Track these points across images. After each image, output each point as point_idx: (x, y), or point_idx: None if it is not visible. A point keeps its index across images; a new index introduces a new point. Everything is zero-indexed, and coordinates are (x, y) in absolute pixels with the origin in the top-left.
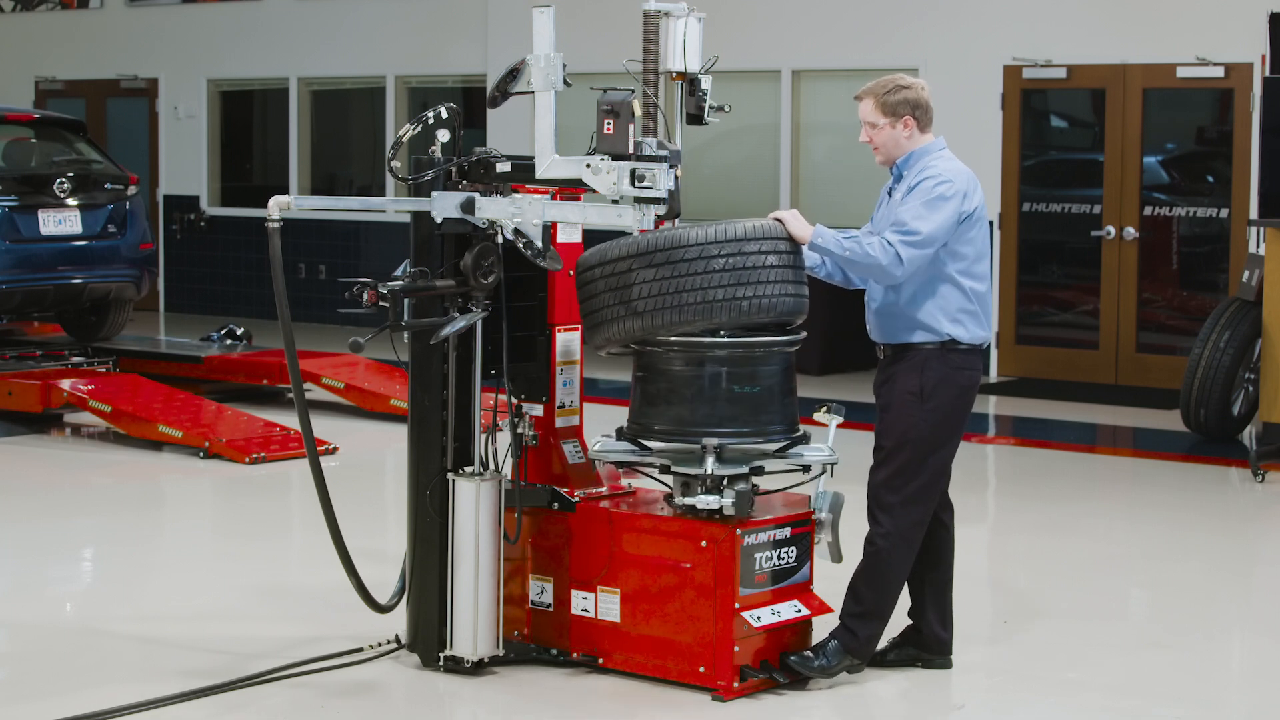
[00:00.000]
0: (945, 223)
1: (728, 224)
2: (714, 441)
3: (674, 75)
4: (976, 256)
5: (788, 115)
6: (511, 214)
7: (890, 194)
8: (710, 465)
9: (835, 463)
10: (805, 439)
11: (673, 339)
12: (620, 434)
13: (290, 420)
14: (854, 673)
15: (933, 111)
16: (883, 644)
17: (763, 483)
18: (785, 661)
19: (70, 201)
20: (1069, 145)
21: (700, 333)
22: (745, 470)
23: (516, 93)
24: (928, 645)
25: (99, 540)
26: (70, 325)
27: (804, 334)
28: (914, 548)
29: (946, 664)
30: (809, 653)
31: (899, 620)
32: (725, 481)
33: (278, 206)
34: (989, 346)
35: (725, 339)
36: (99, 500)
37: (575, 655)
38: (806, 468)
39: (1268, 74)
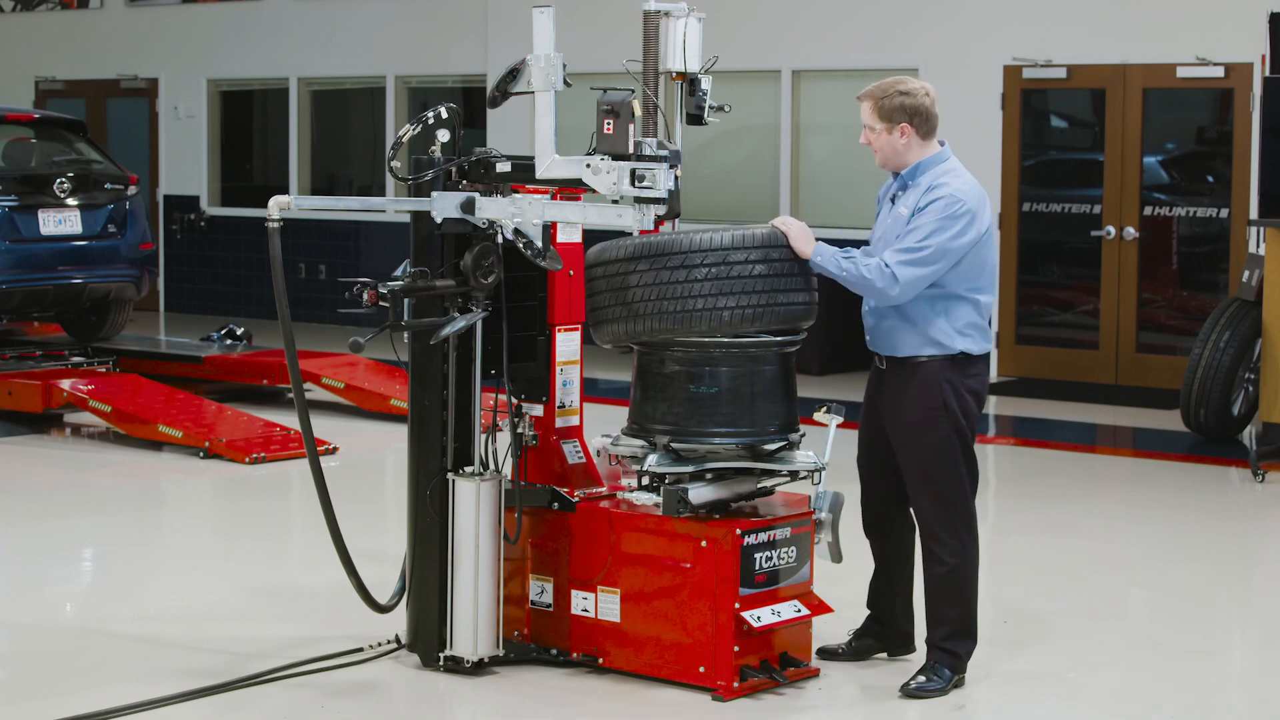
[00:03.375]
0: (954, 243)
1: (716, 232)
2: (664, 439)
3: (674, 75)
4: (983, 271)
5: (788, 115)
6: (511, 214)
7: (893, 201)
8: (652, 461)
9: (823, 468)
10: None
11: (657, 341)
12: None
13: (290, 420)
14: (960, 687)
15: (936, 118)
16: (844, 637)
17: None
18: (906, 690)
19: (70, 201)
20: (1069, 145)
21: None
22: (688, 469)
23: (516, 93)
24: (892, 640)
25: (99, 540)
26: (70, 325)
27: (802, 336)
28: (976, 547)
29: (910, 650)
30: (923, 682)
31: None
32: (666, 479)
33: (278, 206)
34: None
35: (721, 340)
36: (99, 500)
37: (575, 655)
38: (794, 474)
39: (1268, 74)
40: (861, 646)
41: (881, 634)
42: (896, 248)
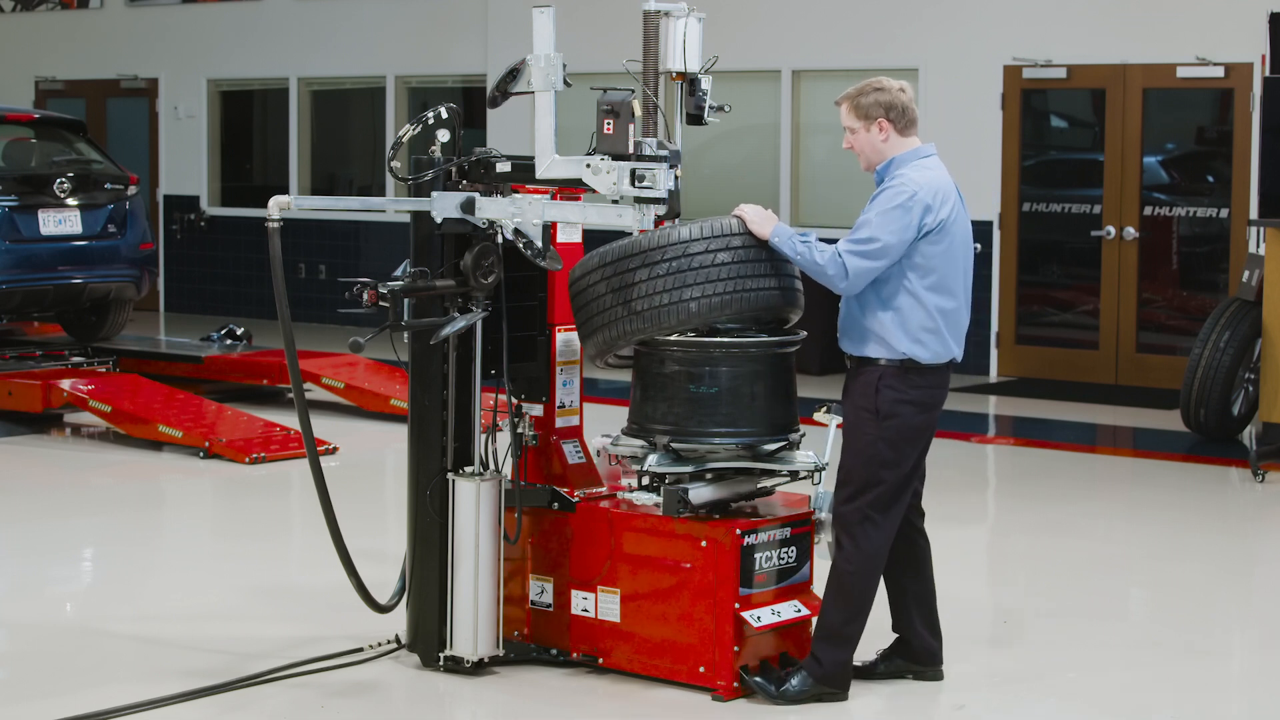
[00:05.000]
0: (901, 234)
1: (673, 227)
2: (664, 439)
3: (674, 75)
4: (947, 272)
5: (788, 115)
6: (511, 214)
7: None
8: (652, 461)
9: (823, 468)
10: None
11: (645, 341)
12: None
13: (290, 420)
14: (831, 700)
15: (914, 113)
16: (871, 657)
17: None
18: (744, 681)
19: (70, 201)
20: (1069, 145)
21: (696, 332)
22: (688, 469)
23: (516, 93)
24: (918, 657)
25: (99, 540)
26: (70, 325)
27: (801, 336)
28: (879, 570)
29: (938, 675)
30: (773, 680)
31: (886, 634)
32: (666, 479)
33: (278, 206)
34: (957, 360)
35: (721, 339)
36: (99, 500)
37: (575, 655)
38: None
39: (1268, 74)
40: (890, 669)
41: (907, 652)
42: (849, 237)
